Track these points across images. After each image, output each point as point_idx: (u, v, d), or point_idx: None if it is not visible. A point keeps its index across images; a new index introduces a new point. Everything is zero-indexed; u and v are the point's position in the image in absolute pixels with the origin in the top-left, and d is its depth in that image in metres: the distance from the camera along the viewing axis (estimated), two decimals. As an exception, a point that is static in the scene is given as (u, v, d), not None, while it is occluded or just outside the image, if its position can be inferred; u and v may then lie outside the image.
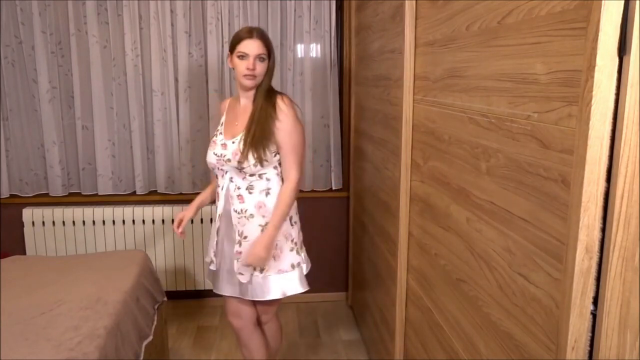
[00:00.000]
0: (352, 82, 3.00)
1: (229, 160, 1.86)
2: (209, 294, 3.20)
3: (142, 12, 2.86)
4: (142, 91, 2.95)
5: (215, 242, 2.00)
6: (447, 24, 1.42)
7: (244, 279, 1.92)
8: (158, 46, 2.88)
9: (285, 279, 1.93)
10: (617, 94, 0.78)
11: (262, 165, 1.84)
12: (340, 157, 3.14)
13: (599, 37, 0.76)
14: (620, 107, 0.78)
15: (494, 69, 1.14)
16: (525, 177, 1.01)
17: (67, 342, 1.58)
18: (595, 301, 0.85)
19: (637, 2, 0.74)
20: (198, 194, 2.14)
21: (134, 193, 3.07)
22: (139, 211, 2.99)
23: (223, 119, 2.00)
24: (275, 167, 1.90)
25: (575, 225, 0.83)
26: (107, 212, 2.98)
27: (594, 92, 0.78)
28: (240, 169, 1.85)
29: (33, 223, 2.96)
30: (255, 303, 2.04)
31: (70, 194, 3.04)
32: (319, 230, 3.17)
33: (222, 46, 2.91)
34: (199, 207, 2.10)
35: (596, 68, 0.77)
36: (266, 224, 1.89)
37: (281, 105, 1.86)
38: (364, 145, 2.69)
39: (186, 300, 3.20)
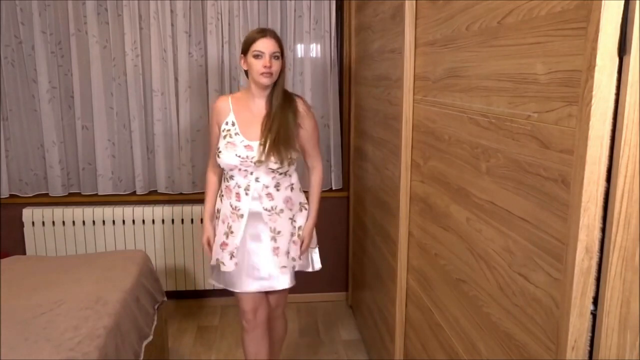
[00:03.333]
0: (352, 82, 3.00)
1: (260, 161, 1.88)
2: (209, 294, 3.20)
3: (142, 12, 2.86)
4: (142, 91, 2.95)
5: (237, 241, 1.96)
6: (447, 24, 1.42)
7: (286, 271, 2.01)
8: (158, 46, 2.88)
9: (316, 253, 2.18)
10: (617, 94, 0.78)
11: (294, 164, 1.98)
12: (340, 157, 3.14)
13: (599, 37, 0.76)
14: (620, 107, 0.78)
15: (494, 69, 1.14)
16: (525, 177, 1.01)
17: (67, 342, 1.58)
18: (595, 301, 0.85)
19: (637, 2, 0.74)
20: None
21: (134, 193, 3.06)
22: (139, 211, 2.99)
23: (234, 119, 1.95)
24: (294, 163, 2.01)
25: (575, 225, 0.83)
26: (107, 212, 2.98)
27: (594, 92, 0.78)
28: (273, 169, 1.90)
29: (33, 223, 2.96)
30: (268, 299, 2.09)
31: (70, 194, 3.04)
32: (319, 230, 3.13)
33: (222, 46, 2.91)
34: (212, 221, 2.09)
35: (596, 68, 0.77)
36: (294, 216, 2.02)
37: (302, 110, 1.97)
38: (364, 145, 2.69)
39: (186, 300, 3.20)
